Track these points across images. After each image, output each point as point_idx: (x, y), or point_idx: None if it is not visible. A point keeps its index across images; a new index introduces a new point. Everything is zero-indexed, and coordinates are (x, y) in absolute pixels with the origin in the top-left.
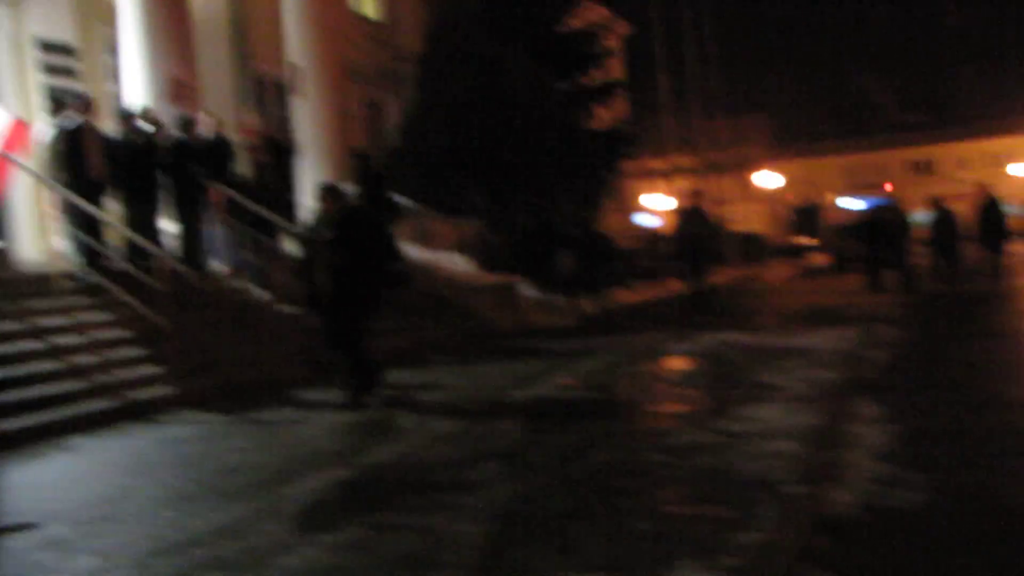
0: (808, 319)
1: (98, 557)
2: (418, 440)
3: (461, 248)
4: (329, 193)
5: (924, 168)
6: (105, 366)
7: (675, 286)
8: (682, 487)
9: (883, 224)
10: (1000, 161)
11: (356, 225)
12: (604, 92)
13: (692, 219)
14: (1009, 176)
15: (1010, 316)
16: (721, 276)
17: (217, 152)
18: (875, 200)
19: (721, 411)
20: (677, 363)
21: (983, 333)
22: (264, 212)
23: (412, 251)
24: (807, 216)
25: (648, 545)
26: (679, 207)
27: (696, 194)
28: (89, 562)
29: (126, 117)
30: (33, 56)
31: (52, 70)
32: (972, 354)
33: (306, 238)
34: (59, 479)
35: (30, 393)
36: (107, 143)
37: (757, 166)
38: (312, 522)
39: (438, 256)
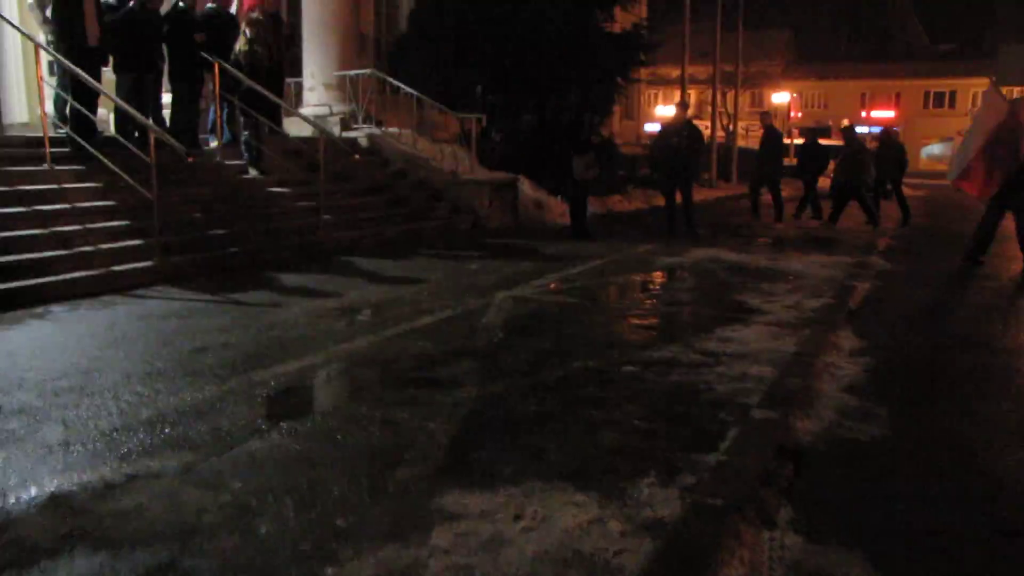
0: (799, 241)
1: (65, 428)
2: (395, 332)
3: (463, 141)
4: None
5: (948, 100)
6: (88, 236)
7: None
8: (652, 402)
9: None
10: None
11: None
12: None
13: (675, 132)
14: None
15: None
16: (702, 193)
17: (218, 25)
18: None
19: (701, 329)
20: (662, 276)
21: None
22: (263, 91)
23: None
24: (812, 137)
25: (614, 458)
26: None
27: (682, 105)
28: (55, 432)
29: None
30: None
31: None
32: None
33: None
34: (34, 347)
35: (9, 258)
36: (105, 8)
37: (774, 83)
38: (280, 408)
39: (439, 148)
